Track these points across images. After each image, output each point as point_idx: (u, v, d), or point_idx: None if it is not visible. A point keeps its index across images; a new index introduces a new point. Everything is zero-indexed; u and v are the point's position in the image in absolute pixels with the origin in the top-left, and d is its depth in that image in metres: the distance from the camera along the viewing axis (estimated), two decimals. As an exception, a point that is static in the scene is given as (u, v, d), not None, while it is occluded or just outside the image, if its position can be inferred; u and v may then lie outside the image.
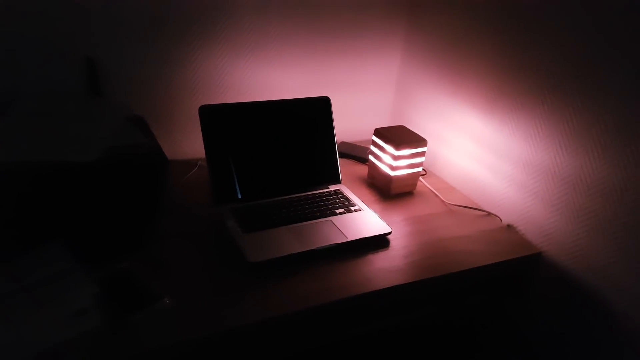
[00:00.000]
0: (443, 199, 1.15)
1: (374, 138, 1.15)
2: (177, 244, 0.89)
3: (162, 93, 1.16)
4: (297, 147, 1.07)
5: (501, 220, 1.09)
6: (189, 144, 1.21)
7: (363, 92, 1.40)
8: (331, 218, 0.98)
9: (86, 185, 0.80)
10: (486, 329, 1.16)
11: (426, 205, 1.12)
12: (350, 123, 1.41)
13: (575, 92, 0.90)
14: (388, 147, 1.10)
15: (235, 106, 1.01)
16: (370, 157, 1.18)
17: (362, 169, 1.26)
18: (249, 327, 0.75)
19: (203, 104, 0.98)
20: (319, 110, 1.10)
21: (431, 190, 1.19)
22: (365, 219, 0.99)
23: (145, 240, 0.88)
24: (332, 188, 1.10)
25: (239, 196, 1.01)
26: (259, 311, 0.77)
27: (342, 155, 1.31)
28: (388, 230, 0.96)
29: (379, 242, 0.96)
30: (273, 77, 1.25)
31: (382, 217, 1.02)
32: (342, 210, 1.01)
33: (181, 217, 0.97)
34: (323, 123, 1.10)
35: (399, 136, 1.11)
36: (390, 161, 1.10)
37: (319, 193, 1.07)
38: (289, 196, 1.04)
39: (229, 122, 1.00)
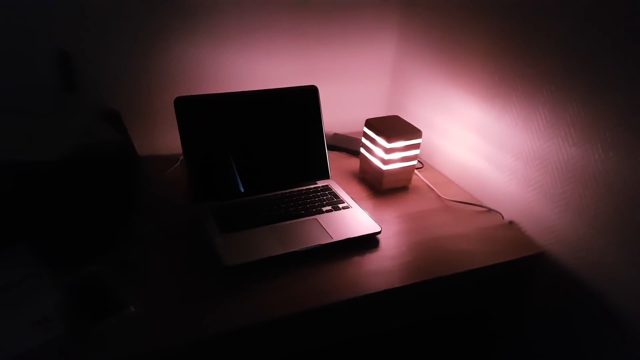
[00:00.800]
0: (439, 194, 1.08)
1: (365, 129, 1.08)
2: (152, 246, 0.84)
3: (141, 85, 1.09)
4: (282, 140, 1.01)
5: (502, 216, 1.02)
6: (170, 137, 1.15)
7: (357, 80, 1.32)
8: (317, 216, 0.92)
9: (49, 185, 0.75)
10: (483, 335, 1.10)
11: (421, 201, 1.05)
12: (343, 113, 1.34)
13: (583, 77, 0.82)
14: (379, 139, 1.03)
15: (213, 97, 0.95)
16: (362, 150, 1.11)
17: (355, 163, 1.19)
18: (222, 335, 0.69)
19: (183, 95, 0.92)
20: (305, 101, 1.03)
21: (427, 185, 1.12)
22: (354, 217, 0.93)
23: (117, 242, 0.82)
24: (320, 184, 1.03)
25: (223, 193, 0.95)
26: (233, 319, 0.71)
27: (334, 148, 1.25)
28: (377, 229, 0.90)
29: (368, 242, 0.90)
30: (258, 66, 1.18)
31: (372, 215, 0.95)
32: (329, 207, 0.95)
33: (158, 217, 0.92)
34: (310, 114, 1.03)
35: (392, 127, 1.04)
36: (382, 154, 1.03)
37: (306, 189, 1.00)
38: (273, 193, 0.98)
39: (207, 115, 0.94)
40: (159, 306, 0.72)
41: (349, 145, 1.25)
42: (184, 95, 0.92)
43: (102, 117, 0.90)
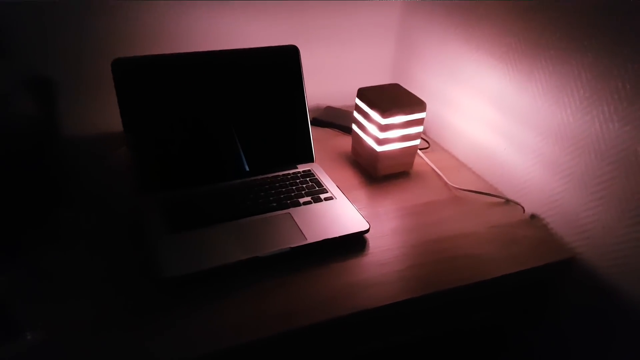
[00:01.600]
0: (447, 181, 0.89)
1: (357, 101, 0.89)
2: (78, 250, 0.67)
3: (86, 48, 0.90)
4: (254, 113, 0.82)
5: (524, 210, 0.83)
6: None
7: (356, 43, 1.12)
8: (291, 210, 0.74)
9: None
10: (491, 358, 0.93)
11: (424, 190, 0.87)
12: (339, 83, 1.14)
13: (631, 35, 0.62)
14: (373, 114, 0.84)
15: (163, 59, 0.76)
16: (354, 127, 0.92)
17: (349, 142, 1.00)
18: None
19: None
20: (283, 64, 0.84)
21: (433, 170, 0.93)
22: (337, 212, 0.75)
23: (28, 244, 0.65)
24: (301, 168, 0.85)
25: (176, 181, 0.77)
26: (167, 350, 0.55)
27: (325, 124, 1.06)
28: (365, 227, 0.72)
29: (353, 244, 0.72)
30: (228, 22, 0.98)
31: (362, 208, 0.78)
32: (309, 199, 0.77)
33: (92, 212, 0.74)
34: (290, 81, 0.84)
35: (389, 98, 0.85)
36: (376, 132, 0.84)
37: (282, 176, 0.82)
38: (240, 181, 0.80)
39: (156, 81, 0.76)
40: (73, 331, 0.56)
41: (343, 122, 1.06)
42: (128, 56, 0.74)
43: (25, 86, 0.72)
